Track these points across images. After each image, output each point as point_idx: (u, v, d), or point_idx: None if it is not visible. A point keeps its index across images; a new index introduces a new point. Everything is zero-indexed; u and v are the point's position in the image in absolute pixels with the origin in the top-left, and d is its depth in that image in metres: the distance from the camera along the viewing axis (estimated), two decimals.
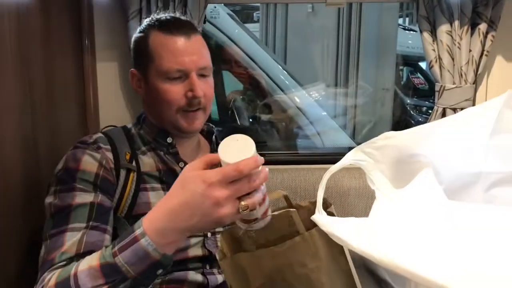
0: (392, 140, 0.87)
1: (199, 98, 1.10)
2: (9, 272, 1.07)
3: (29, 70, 1.17)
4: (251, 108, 2.71)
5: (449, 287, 0.57)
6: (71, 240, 0.94)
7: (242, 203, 0.71)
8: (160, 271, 0.80)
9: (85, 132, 1.54)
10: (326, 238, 0.88)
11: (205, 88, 1.12)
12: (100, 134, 1.12)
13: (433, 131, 0.92)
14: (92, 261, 0.81)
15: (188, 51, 1.10)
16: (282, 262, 0.87)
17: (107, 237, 0.99)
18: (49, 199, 1.02)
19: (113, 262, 0.78)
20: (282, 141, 2.52)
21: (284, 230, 0.88)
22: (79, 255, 0.91)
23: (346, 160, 0.81)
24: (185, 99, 1.10)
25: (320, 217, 0.73)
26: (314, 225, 0.83)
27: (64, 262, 0.90)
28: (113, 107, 1.62)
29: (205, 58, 1.13)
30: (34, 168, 1.19)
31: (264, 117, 2.54)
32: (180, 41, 1.10)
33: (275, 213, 0.87)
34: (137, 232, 0.77)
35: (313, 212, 0.86)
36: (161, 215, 0.77)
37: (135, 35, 1.18)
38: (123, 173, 1.08)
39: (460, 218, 0.75)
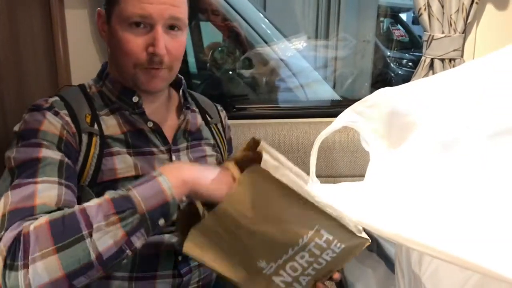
0: (385, 97, 0.82)
1: (161, 56, 0.97)
2: None
3: None
4: (230, 60, 2.62)
5: (451, 252, 0.53)
6: (46, 192, 0.84)
7: None
8: (162, 221, 0.82)
9: (55, 82, 1.45)
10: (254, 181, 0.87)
11: (172, 45, 0.99)
12: (55, 98, 0.99)
13: (426, 85, 0.87)
14: (99, 199, 0.81)
15: None
16: (226, 224, 0.88)
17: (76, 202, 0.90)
18: (9, 153, 0.90)
19: (126, 194, 0.80)
20: (264, 95, 2.45)
21: None
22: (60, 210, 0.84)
23: (339, 123, 0.76)
24: (145, 54, 0.97)
25: (313, 186, 0.68)
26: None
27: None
28: (84, 55, 1.53)
29: (178, 9, 0.98)
30: (1, 123, 1.11)
31: (245, 72, 2.46)
32: None
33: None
34: (155, 173, 0.83)
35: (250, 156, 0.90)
36: (180, 166, 0.87)
37: None
38: (84, 138, 0.97)
39: (456, 178, 0.72)
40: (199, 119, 1.19)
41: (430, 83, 0.85)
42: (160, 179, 0.82)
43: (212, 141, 1.19)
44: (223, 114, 1.29)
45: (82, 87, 1.07)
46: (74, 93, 1.04)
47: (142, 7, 0.94)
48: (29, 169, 0.87)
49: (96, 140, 0.98)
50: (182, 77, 1.15)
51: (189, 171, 0.85)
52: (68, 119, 0.96)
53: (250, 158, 0.89)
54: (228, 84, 2.45)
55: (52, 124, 0.93)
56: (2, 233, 0.78)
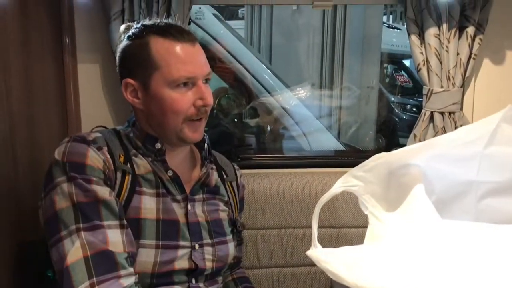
0: (382, 161, 0.85)
1: (209, 106, 1.08)
2: None
3: (6, 73, 1.13)
4: (235, 105, 2.68)
5: None
6: (115, 239, 0.95)
7: None
8: None
9: (66, 135, 1.50)
10: None
11: (209, 94, 1.09)
12: (97, 134, 1.06)
13: (426, 146, 0.90)
14: None
15: (195, 58, 1.07)
16: None
17: None
18: (64, 187, 0.96)
19: None
20: (268, 144, 2.49)
21: None
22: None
23: (337, 188, 0.79)
24: (193, 108, 1.07)
25: (315, 252, 0.71)
26: None
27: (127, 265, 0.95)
28: (95, 109, 1.58)
29: (208, 65, 1.10)
30: (12, 173, 1.15)
31: (251, 121, 2.51)
32: (187, 48, 1.06)
33: None
34: None
35: None
36: None
37: (126, 42, 1.08)
38: (118, 175, 1.03)
39: (453, 241, 0.74)
40: (216, 176, 1.23)
41: (424, 146, 0.89)
42: None
43: (226, 198, 1.23)
44: (239, 173, 1.34)
45: (115, 130, 1.13)
46: (109, 133, 1.10)
47: (188, 70, 1.05)
48: (92, 213, 0.95)
49: (128, 179, 1.04)
50: (205, 134, 1.20)
51: None
52: (108, 156, 1.02)
53: None
54: (233, 133, 2.50)
55: (96, 158, 0.99)
56: (94, 279, 0.90)
